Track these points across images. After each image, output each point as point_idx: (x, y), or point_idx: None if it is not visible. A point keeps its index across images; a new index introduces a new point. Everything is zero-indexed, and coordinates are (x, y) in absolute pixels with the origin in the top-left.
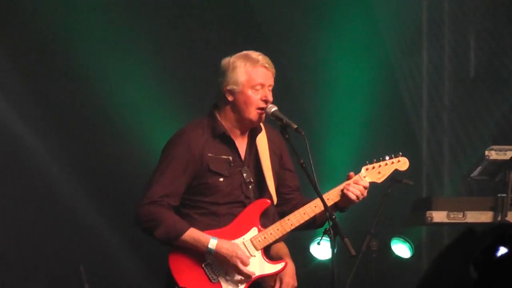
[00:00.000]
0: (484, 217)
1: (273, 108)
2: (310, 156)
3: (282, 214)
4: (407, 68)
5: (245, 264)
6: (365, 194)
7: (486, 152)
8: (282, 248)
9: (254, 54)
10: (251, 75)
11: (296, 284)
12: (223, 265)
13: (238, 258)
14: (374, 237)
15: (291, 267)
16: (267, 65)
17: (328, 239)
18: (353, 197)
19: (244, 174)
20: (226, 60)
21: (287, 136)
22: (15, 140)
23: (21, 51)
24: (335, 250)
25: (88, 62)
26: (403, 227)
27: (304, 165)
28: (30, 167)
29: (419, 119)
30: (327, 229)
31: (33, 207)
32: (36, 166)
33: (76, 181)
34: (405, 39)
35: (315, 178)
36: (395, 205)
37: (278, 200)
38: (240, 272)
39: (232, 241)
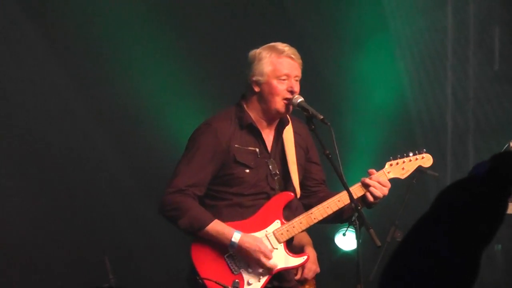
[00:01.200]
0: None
1: (299, 99)
2: (336, 147)
3: (308, 207)
4: (432, 62)
5: (268, 258)
6: (386, 192)
7: (511, 144)
8: (304, 237)
9: (280, 45)
10: (276, 65)
11: (318, 270)
12: (246, 258)
13: (261, 252)
14: (398, 228)
15: (313, 254)
16: (292, 56)
17: (353, 230)
18: (372, 199)
19: (270, 166)
20: (252, 52)
21: (313, 126)
22: (47, 133)
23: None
24: (360, 241)
25: (116, 56)
26: None
27: (330, 156)
28: (59, 157)
29: (443, 112)
30: (352, 220)
31: (60, 197)
32: (67, 157)
33: (102, 171)
34: (429, 34)
35: (341, 169)
36: (419, 196)
37: (304, 193)
38: (263, 266)
39: (255, 233)
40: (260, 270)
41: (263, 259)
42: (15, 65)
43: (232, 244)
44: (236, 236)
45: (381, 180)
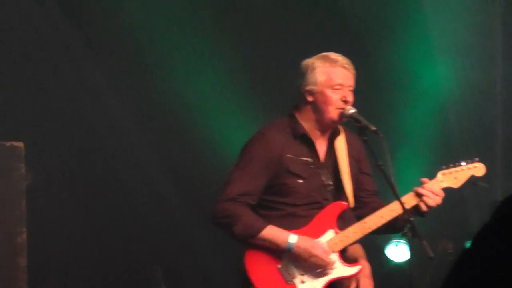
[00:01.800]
0: None
1: (351, 110)
2: (388, 158)
3: (359, 218)
4: (482, 69)
5: (327, 253)
6: (439, 201)
7: None
8: (357, 249)
9: (334, 55)
10: (330, 75)
11: (373, 285)
12: (302, 261)
13: (319, 247)
14: (449, 240)
15: (367, 268)
16: (346, 66)
17: (406, 241)
18: (426, 208)
19: (323, 177)
20: (305, 61)
21: (365, 138)
22: (94, 141)
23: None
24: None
25: (165, 61)
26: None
27: (382, 167)
28: (110, 165)
29: (493, 121)
30: (405, 231)
31: (112, 206)
32: (117, 166)
33: (154, 180)
34: (480, 40)
35: (393, 180)
36: (470, 207)
37: (356, 204)
38: (321, 264)
39: None
40: (315, 279)
41: (323, 254)
42: (59, 72)
43: (289, 246)
44: (293, 238)
45: (434, 189)
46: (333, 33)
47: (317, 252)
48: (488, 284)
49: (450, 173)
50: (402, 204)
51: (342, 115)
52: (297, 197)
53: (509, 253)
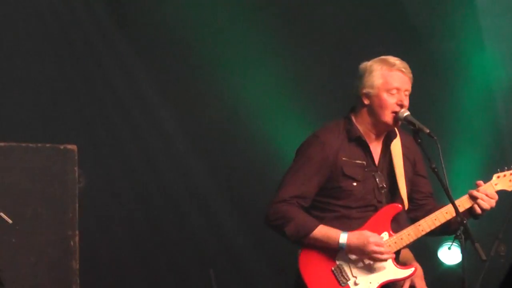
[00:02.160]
0: None
1: (406, 113)
2: (442, 161)
3: (414, 220)
4: None
5: (380, 245)
6: (493, 204)
7: None
8: (408, 253)
9: (392, 59)
10: (387, 78)
11: (425, 286)
12: (356, 254)
13: (372, 243)
14: (502, 242)
15: (419, 270)
16: (403, 70)
17: (458, 243)
18: (480, 211)
19: (377, 179)
20: (363, 64)
21: (419, 140)
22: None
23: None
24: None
25: (218, 65)
26: None
27: (436, 170)
28: (162, 168)
29: None
30: (458, 234)
31: (166, 210)
32: (171, 167)
33: (206, 182)
34: None
35: (447, 183)
36: None
37: (411, 206)
38: (376, 256)
39: None
40: (368, 281)
41: (376, 249)
42: (111, 76)
43: (341, 245)
44: (344, 236)
45: (488, 192)
46: (387, 30)
47: (371, 239)
48: None
49: (505, 176)
50: (455, 207)
51: (397, 119)
52: (352, 200)
53: None
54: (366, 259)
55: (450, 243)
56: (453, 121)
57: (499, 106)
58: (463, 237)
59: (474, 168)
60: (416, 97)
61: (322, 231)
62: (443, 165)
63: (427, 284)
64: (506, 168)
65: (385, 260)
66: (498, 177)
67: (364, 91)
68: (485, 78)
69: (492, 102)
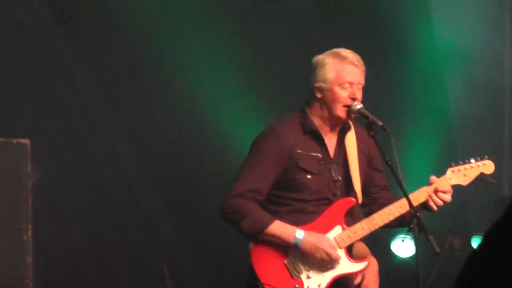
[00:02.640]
0: None
1: (359, 106)
2: (396, 153)
3: (369, 214)
4: (488, 64)
5: (334, 248)
6: (449, 199)
7: None
8: (362, 246)
9: (344, 52)
10: (339, 72)
11: (378, 281)
12: (309, 257)
13: (327, 242)
14: (456, 235)
15: (374, 264)
16: (356, 63)
17: (412, 236)
18: (435, 207)
19: (333, 172)
20: (316, 58)
21: (372, 133)
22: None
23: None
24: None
25: (170, 55)
26: (485, 225)
27: (389, 162)
28: (115, 160)
29: (501, 117)
30: (411, 227)
31: (118, 203)
32: (117, 164)
33: (156, 179)
34: (485, 34)
35: (401, 176)
36: (477, 203)
37: (366, 200)
38: (328, 260)
39: None
40: (321, 274)
41: (330, 250)
42: (64, 69)
43: (296, 242)
44: (300, 233)
45: (443, 187)
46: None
47: (324, 246)
48: (501, 280)
49: (459, 170)
50: (408, 199)
51: (350, 112)
52: (306, 193)
53: None
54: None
55: (404, 235)
56: (406, 114)
57: (449, 94)
58: (416, 229)
59: (428, 160)
60: (369, 90)
61: (278, 227)
62: (396, 158)
63: (380, 277)
64: (460, 162)
65: (332, 264)
66: (453, 171)
67: (317, 85)
68: (434, 63)
69: (444, 94)
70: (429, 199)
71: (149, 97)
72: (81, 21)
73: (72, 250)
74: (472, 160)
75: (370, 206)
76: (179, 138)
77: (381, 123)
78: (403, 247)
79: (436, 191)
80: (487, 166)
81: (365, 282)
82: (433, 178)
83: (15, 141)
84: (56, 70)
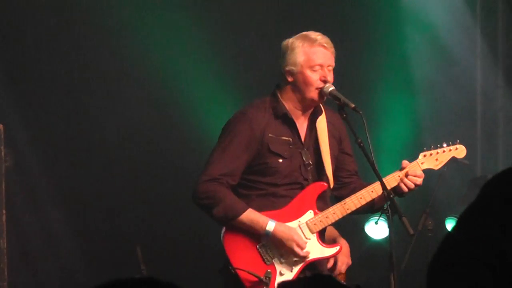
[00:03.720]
0: None
1: (330, 88)
2: (368, 135)
3: (339, 198)
4: (462, 47)
5: (302, 247)
6: (420, 183)
7: None
8: (331, 229)
9: (313, 35)
10: (309, 55)
11: (350, 262)
12: (279, 247)
13: (295, 241)
14: (429, 216)
15: (345, 246)
16: (325, 45)
17: (385, 218)
18: (406, 190)
19: (304, 156)
20: (285, 41)
21: (344, 115)
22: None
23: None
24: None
25: (143, 46)
26: (459, 206)
27: (362, 144)
28: (92, 145)
29: (473, 99)
30: (384, 209)
31: (90, 185)
32: (92, 147)
33: (132, 161)
34: (458, 20)
35: (373, 158)
36: (450, 184)
37: (336, 184)
38: (296, 255)
39: (288, 223)
40: (293, 260)
41: (297, 249)
42: (38, 53)
43: (267, 233)
44: (271, 225)
45: (414, 171)
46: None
47: (294, 237)
48: (475, 263)
49: (431, 154)
50: (381, 181)
51: (322, 94)
52: (278, 177)
53: (497, 232)
54: None
55: (377, 217)
56: (378, 98)
57: (421, 74)
58: (390, 211)
59: (399, 143)
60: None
61: (250, 216)
62: (369, 140)
63: (354, 259)
64: (432, 146)
65: (301, 259)
66: (425, 155)
67: (288, 68)
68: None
69: (415, 73)
70: (401, 182)
71: (122, 84)
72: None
73: (47, 234)
74: (444, 145)
75: (339, 190)
76: (153, 121)
77: (353, 105)
78: (377, 229)
79: (407, 175)
80: (459, 151)
81: (338, 264)
82: (405, 162)
83: None
84: (28, 54)
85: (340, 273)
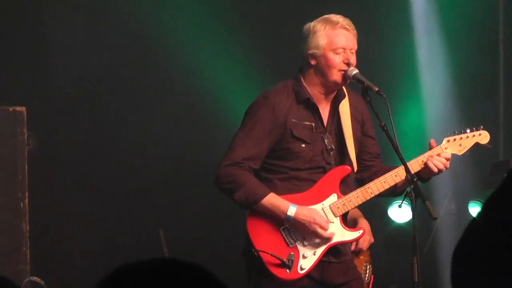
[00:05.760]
0: None
1: (354, 71)
2: (391, 119)
3: (361, 181)
4: (484, 32)
5: (325, 229)
6: (448, 166)
7: None
8: (355, 211)
9: (335, 17)
10: (332, 38)
11: (372, 240)
12: (302, 230)
13: (317, 224)
14: (452, 200)
15: (366, 225)
16: (347, 27)
17: (409, 202)
18: (435, 170)
19: (326, 141)
20: (307, 25)
21: (368, 98)
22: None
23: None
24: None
25: (165, 30)
26: (481, 190)
27: (385, 128)
28: (114, 128)
29: (497, 83)
30: (408, 192)
31: (114, 168)
32: (123, 128)
33: (154, 146)
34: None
35: (397, 142)
36: (473, 168)
37: (358, 167)
38: (320, 237)
39: (311, 206)
40: (316, 243)
41: (320, 230)
42: (60, 37)
43: (288, 218)
44: (292, 210)
45: (442, 154)
46: None
47: (316, 220)
48: (500, 251)
49: (455, 140)
50: (405, 164)
51: (345, 77)
52: (300, 161)
53: None
54: None
55: (401, 201)
56: (401, 79)
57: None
58: (413, 195)
59: (422, 128)
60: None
61: (271, 200)
62: (392, 124)
63: (377, 242)
64: (455, 132)
65: (325, 241)
66: (448, 141)
67: (310, 52)
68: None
69: (440, 58)
70: (429, 162)
71: (141, 66)
72: None
73: (69, 218)
74: (468, 130)
75: (361, 172)
76: (178, 115)
77: (376, 89)
78: (400, 212)
79: (432, 158)
80: (482, 136)
81: (360, 241)
82: (432, 142)
83: (11, 109)
84: (51, 37)
85: (362, 251)
